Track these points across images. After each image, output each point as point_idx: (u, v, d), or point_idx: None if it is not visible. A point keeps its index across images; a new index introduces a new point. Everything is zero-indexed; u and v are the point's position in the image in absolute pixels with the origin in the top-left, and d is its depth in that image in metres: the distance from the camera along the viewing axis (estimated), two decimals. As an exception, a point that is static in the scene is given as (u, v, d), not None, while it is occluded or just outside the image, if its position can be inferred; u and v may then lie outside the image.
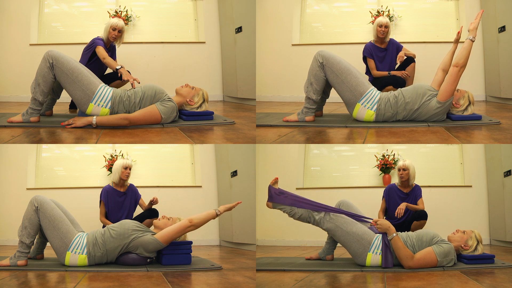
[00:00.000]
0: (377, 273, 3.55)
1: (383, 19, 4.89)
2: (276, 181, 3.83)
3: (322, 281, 3.36)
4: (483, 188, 5.46)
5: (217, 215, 3.76)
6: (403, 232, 3.77)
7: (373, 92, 4.04)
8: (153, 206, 4.49)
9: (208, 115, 4.24)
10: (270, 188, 3.81)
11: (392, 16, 5.86)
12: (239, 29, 5.50)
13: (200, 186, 5.66)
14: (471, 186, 5.49)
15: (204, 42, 5.93)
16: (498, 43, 5.42)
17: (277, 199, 3.79)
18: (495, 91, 5.55)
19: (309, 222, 3.80)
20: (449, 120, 4.07)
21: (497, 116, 4.41)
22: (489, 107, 5.16)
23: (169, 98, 4.05)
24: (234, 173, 5.24)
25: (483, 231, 5.35)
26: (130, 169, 4.45)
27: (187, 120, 4.14)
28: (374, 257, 3.66)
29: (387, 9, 5.86)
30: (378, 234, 3.72)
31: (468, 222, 5.30)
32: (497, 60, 5.46)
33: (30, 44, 5.68)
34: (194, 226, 3.70)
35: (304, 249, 5.12)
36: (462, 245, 3.80)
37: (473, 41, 3.94)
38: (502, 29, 5.33)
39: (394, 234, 3.63)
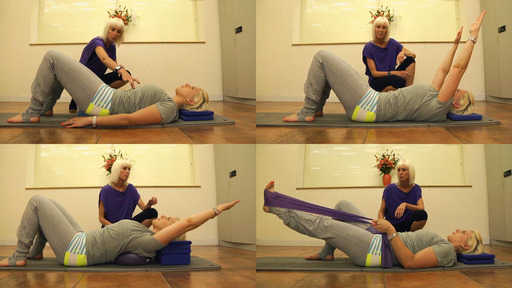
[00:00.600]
0: (377, 273, 3.54)
1: (381, 20, 4.89)
2: (271, 184, 3.82)
3: (322, 281, 3.36)
4: (483, 188, 5.45)
5: (215, 214, 3.75)
6: (403, 232, 3.76)
7: (372, 94, 4.03)
8: (152, 206, 4.49)
9: (208, 115, 4.24)
10: (266, 192, 3.80)
11: (392, 16, 5.86)
12: (239, 29, 5.50)
13: (199, 186, 5.66)
14: (471, 186, 5.48)
15: (204, 42, 5.92)
16: (498, 43, 5.42)
17: (273, 203, 3.78)
18: (495, 91, 5.55)
19: (304, 233, 3.79)
20: (449, 120, 4.06)
21: (497, 116, 4.40)
22: (489, 107, 5.16)
23: (169, 98, 4.05)
24: (233, 173, 5.24)
25: (483, 231, 5.34)
26: (129, 169, 4.44)
27: (187, 120, 4.13)
28: (374, 257, 3.65)
29: (387, 9, 5.85)
30: (376, 235, 3.71)
31: (468, 222, 5.29)
32: (497, 60, 5.45)
33: (30, 44, 5.68)
34: (193, 225, 3.70)
35: (304, 249, 5.12)
36: (462, 245, 3.80)
37: (475, 42, 3.93)
38: (502, 29, 5.32)
39: (394, 234, 3.63)
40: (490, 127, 3.97)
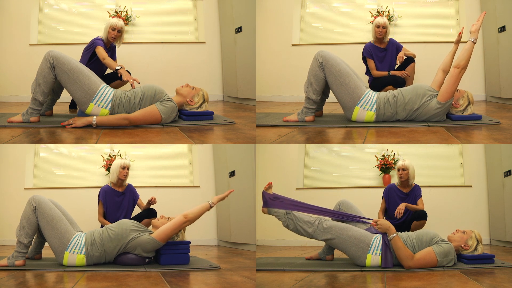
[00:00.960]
0: (377, 273, 3.54)
1: (380, 20, 4.89)
2: (270, 186, 3.81)
3: (322, 281, 3.35)
4: (483, 188, 5.45)
5: (211, 207, 3.76)
6: (403, 232, 3.76)
7: (370, 94, 4.03)
8: (151, 206, 4.48)
9: (208, 115, 4.24)
10: (264, 193, 3.79)
11: (392, 16, 5.86)
12: (239, 29, 5.50)
13: (198, 186, 5.65)
14: (471, 186, 5.48)
15: (204, 42, 5.92)
16: (498, 43, 5.42)
17: (272, 204, 3.77)
18: (495, 91, 5.54)
19: (303, 235, 3.78)
20: (449, 120, 4.06)
21: (497, 116, 4.40)
22: (489, 107, 5.15)
23: (169, 98, 4.05)
24: (232, 173, 5.24)
25: (483, 231, 5.34)
26: (128, 169, 4.44)
27: (187, 120, 4.13)
28: (374, 258, 3.65)
29: (387, 9, 5.85)
30: (376, 235, 3.71)
31: (468, 222, 5.29)
32: (497, 60, 5.45)
33: (30, 44, 5.68)
34: (190, 221, 3.70)
35: (304, 249, 5.11)
36: (462, 245, 3.79)
37: (475, 43, 3.93)
38: (502, 29, 5.32)
39: (394, 234, 3.62)
40: (490, 127, 3.97)
